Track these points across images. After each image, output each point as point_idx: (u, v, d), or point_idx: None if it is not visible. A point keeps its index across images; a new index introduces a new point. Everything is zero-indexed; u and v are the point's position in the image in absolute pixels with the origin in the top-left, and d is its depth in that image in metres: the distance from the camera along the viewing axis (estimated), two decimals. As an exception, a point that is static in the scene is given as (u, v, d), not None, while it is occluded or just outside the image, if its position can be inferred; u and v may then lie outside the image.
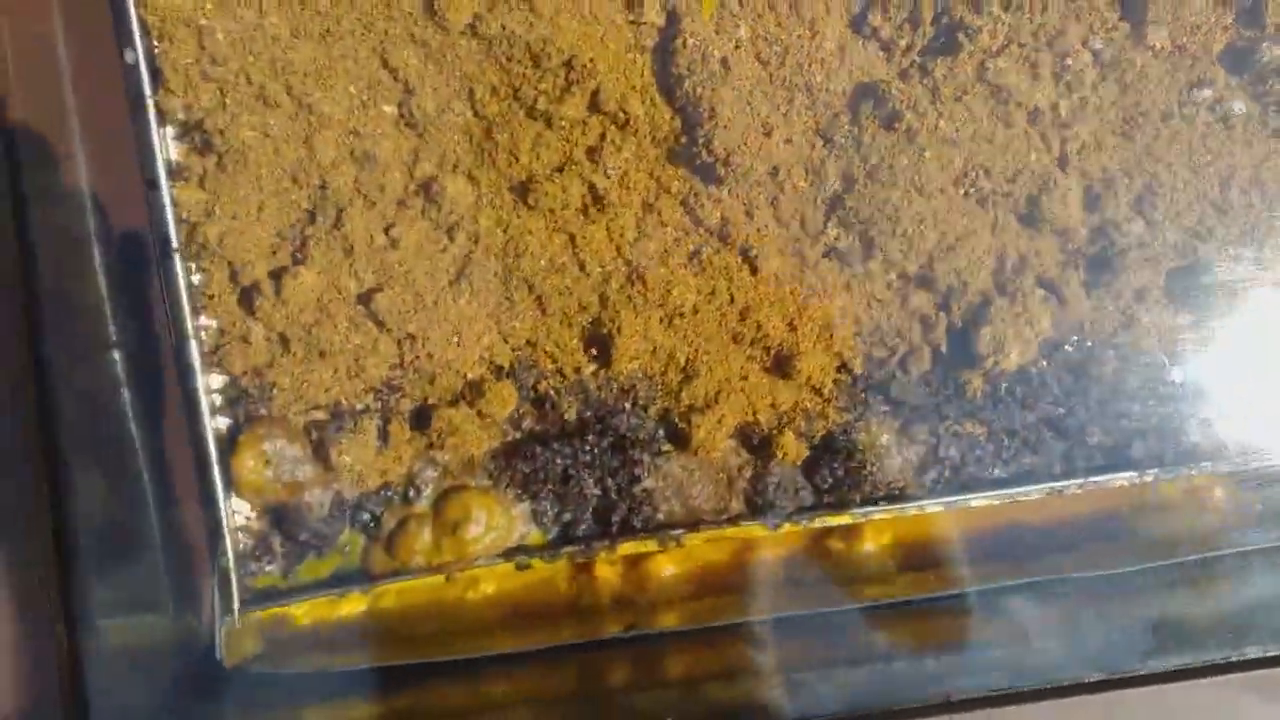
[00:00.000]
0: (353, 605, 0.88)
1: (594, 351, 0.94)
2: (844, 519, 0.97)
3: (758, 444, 0.97)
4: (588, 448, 0.93)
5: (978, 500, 0.98)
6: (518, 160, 0.91)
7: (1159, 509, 1.00)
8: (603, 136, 0.91)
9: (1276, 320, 1.01)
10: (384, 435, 0.89)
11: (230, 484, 0.86)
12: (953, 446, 0.99)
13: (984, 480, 1.00)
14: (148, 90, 0.84)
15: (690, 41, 0.90)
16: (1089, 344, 1.00)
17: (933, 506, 0.97)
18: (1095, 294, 0.99)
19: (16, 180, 0.85)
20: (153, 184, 0.85)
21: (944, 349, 0.99)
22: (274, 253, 0.87)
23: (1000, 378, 0.99)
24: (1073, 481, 0.98)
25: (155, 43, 0.83)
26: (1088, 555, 0.97)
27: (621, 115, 0.91)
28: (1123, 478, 0.99)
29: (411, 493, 0.90)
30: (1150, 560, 0.99)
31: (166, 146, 0.85)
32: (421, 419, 0.91)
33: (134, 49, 0.82)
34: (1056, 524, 1.00)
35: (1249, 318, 0.99)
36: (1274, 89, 0.98)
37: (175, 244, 0.84)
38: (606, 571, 0.93)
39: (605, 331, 0.92)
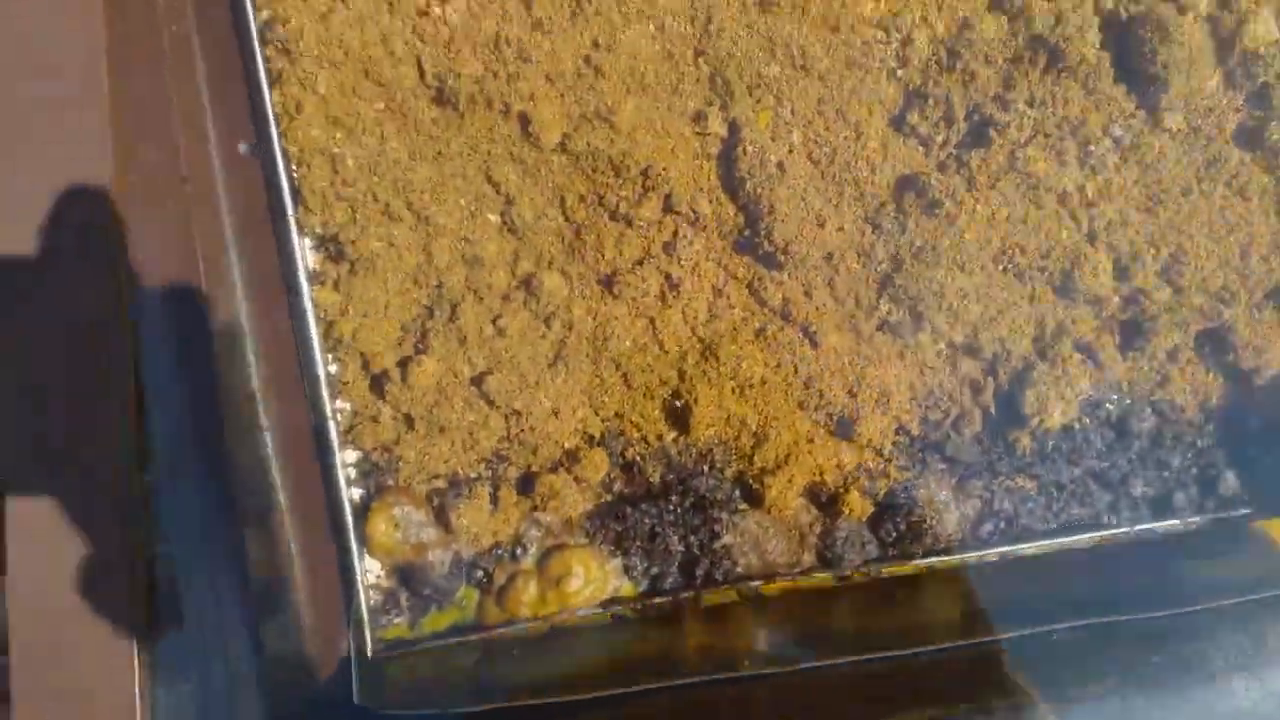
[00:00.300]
0: (469, 653, 0.99)
1: (675, 420, 1.05)
2: (908, 569, 1.06)
3: (826, 502, 1.07)
4: (671, 508, 1.04)
5: (1031, 549, 1.06)
6: (604, 256, 1.04)
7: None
8: (676, 233, 1.04)
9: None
10: (494, 500, 1.01)
11: (364, 546, 0.98)
12: (1006, 500, 1.08)
13: (1036, 531, 1.08)
14: (290, 209, 0.99)
15: (750, 149, 1.02)
16: (1128, 402, 1.09)
17: (990, 555, 1.06)
18: (1130, 356, 1.09)
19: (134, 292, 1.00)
20: (294, 290, 0.99)
21: (993, 410, 1.08)
22: (399, 344, 1.01)
23: (1046, 436, 1.08)
24: (1119, 530, 1.06)
25: (295, 169, 0.99)
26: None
27: (692, 214, 1.03)
28: (1166, 525, 1.06)
29: (519, 551, 1.02)
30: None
31: (306, 256, 1.00)
32: (526, 485, 1.03)
33: (246, 142, 0.98)
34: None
35: (1274, 371, 1.07)
36: (1284, 164, 1.07)
37: (315, 339, 0.98)
38: (692, 619, 1.03)
39: (684, 403, 1.04)
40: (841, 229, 1.05)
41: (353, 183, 0.98)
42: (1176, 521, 1.06)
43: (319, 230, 0.99)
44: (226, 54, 0.97)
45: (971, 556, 1.06)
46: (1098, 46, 1.05)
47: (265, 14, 0.98)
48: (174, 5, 0.97)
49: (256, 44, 0.97)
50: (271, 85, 0.97)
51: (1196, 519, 1.06)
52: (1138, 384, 1.09)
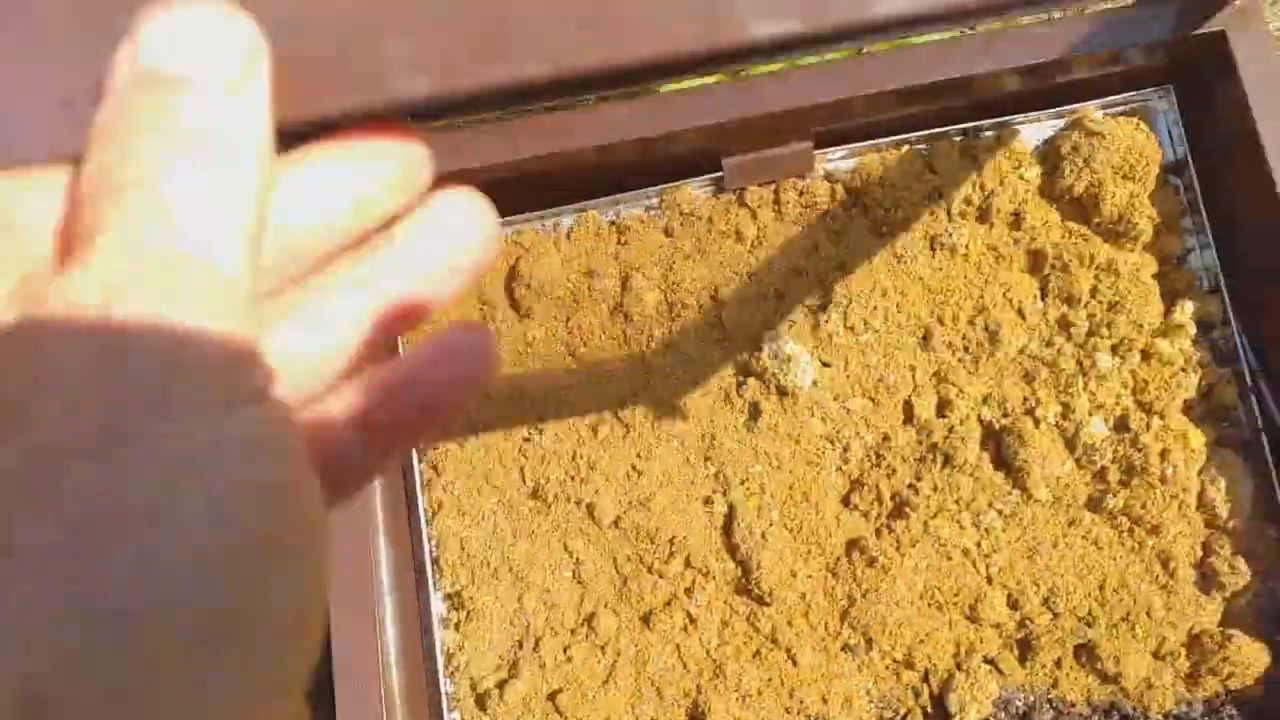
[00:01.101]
0: None
1: (696, 723, 1.45)
2: (874, 838, 1.41)
3: (810, 784, 1.44)
4: (695, 791, 1.41)
5: (967, 820, 1.41)
6: (643, 600, 1.47)
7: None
8: (694, 582, 1.48)
9: (1155, 679, 1.48)
10: (566, 787, 1.39)
11: (473, 824, 1.35)
12: (946, 781, 1.45)
13: (971, 805, 1.44)
14: (430, 574, 1.44)
15: (742, 523, 1.49)
16: (1030, 699, 1.48)
17: (936, 826, 1.41)
18: (1027, 665, 1.49)
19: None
20: (427, 630, 1.42)
21: (930, 709, 1.47)
22: (497, 669, 1.43)
23: (971, 729, 1.47)
24: (1032, 804, 1.42)
25: (434, 547, 1.45)
26: None
27: (704, 568, 1.48)
28: (1067, 799, 1.42)
29: (584, 827, 1.38)
30: None
31: (438, 606, 1.44)
32: (589, 775, 1.41)
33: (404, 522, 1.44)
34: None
35: (1132, 673, 1.47)
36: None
37: (440, 666, 1.40)
38: None
39: (701, 710, 1.44)
40: (810, 577, 1.50)
41: (474, 555, 1.44)
42: (1073, 797, 1.42)
43: (448, 589, 1.44)
44: (396, 479, 1.47)
45: (922, 827, 1.41)
46: (979, 449, 1.53)
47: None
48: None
49: (416, 465, 1.46)
50: (423, 491, 1.46)
51: (1088, 795, 1.42)
52: (1035, 686, 1.48)
